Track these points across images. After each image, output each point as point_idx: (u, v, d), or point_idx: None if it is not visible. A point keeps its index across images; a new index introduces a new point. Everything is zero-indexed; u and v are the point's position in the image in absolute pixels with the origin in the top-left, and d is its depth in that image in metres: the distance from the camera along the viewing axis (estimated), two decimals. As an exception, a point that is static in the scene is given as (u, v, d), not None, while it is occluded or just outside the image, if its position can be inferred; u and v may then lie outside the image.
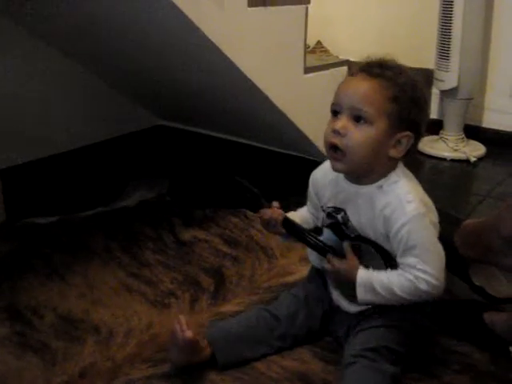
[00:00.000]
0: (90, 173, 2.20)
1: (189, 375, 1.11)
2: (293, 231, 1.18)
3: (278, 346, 1.18)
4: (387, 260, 1.09)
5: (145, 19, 1.65)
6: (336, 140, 1.06)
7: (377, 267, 1.09)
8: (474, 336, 1.22)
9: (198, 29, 1.55)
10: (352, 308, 1.16)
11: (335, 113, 1.08)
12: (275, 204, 1.19)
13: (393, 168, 1.10)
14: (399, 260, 1.07)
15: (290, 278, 1.46)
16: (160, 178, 2.12)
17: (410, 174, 1.12)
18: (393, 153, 1.07)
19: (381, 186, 1.09)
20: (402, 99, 1.05)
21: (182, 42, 1.71)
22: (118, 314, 1.33)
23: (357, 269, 1.09)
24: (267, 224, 1.20)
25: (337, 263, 1.12)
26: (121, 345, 1.23)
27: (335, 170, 1.10)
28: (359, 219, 1.11)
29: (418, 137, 1.09)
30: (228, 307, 1.35)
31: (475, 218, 1.39)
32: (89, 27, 1.86)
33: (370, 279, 1.08)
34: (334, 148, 1.07)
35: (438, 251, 1.07)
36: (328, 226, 1.17)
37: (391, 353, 1.07)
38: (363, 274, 1.08)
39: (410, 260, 1.05)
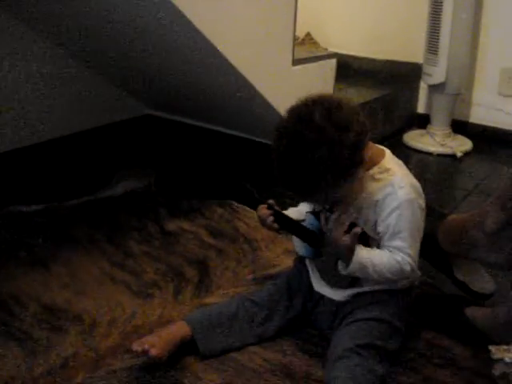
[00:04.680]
0: (77, 161, 2.19)
1: (171, 366, 1.11)
2: (283, 224, 1.20)
3: (259, 333, 1.19)
4: (365, 244, 1.12)
5: (134, 9, 1.64)
6: None
7: None
8: (455, 330, 1.23)
9: (185, 19, 1.55)
10: (336, 296, 1.18)
11: None
12: (270, 201, 1.20)
13: (381, 156, 1.12)
14: (385, 243, 1.11)
15: (274, 270, 1.46)
16: (147, 168, 2.11)
17: (399, 161, 1.15)
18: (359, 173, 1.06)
19: (372, 175, 1.11)
20: (303, 176, 1.03)
21: (169, 32, 1.70)
22: (102, 304, 1.32)
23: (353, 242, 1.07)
24: (263, 220, 1.21)
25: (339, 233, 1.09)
26: (104, 335, 1.23)
27: None
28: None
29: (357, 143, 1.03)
30: (212, 299, 1.35)
31: (460, 213, 1.40)
32: (78, 17, 1.85)
33: (369, 258, 1.08)
34: None
35: (419, 237, 1.12)
36: (311, 212, 1.20)
37: (382, 351, 1.09)
38: (364, 253, 1.08)
39: (397, 243, 1.10)
